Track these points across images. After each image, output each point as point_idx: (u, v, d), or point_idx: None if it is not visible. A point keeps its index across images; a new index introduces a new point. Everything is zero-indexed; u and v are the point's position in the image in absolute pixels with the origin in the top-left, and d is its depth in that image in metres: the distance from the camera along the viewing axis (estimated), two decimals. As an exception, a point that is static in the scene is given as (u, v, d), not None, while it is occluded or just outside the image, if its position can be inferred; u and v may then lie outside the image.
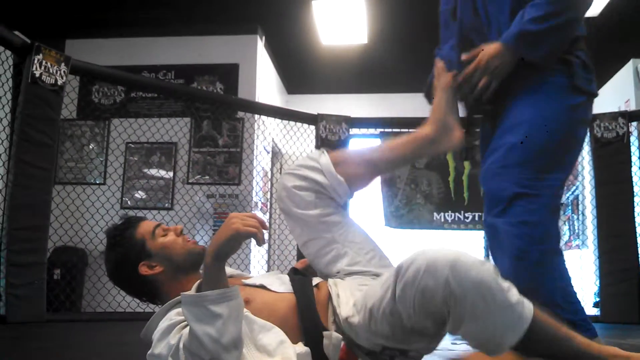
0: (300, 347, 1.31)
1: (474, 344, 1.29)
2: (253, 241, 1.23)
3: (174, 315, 1.32)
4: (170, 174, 5.74)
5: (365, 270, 1.52)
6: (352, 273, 1.52)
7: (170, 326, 1.28)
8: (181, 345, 1.21)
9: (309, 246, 1.59)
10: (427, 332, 1.27)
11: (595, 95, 1.68)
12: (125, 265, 1.48)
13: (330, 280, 1.50)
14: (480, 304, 1.12)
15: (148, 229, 1.50)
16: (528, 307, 1.17)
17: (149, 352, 1.31)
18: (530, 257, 1.53)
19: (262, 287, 1.49)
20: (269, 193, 6.39)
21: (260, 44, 6.16)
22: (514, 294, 1.16)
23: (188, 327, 1.21)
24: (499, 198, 1.59)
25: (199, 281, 1.25)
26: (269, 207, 6.36)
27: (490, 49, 1.63)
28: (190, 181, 5.68)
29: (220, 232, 1.21)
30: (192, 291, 1.22)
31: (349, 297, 1.39)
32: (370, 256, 1.55)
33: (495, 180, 1.62)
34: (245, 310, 1.28)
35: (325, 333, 1.34)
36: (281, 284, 1.50)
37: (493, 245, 1.65)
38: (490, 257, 1.67)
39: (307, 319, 1.37)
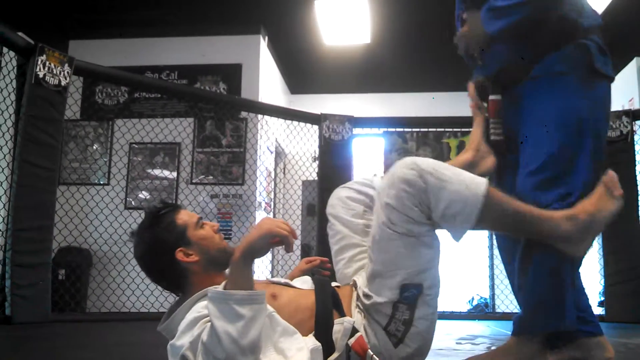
0: (312, 341, 1.33)
1: (447, 224, 1.39)
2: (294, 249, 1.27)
3: (201, 307, 1.31)
4: (174, 174, 5.75)
5: None
6: None
7: (197, 318, 1.28)
8: (201, 338, 1.21)
9: (345, 250, 1.69)
10: (416, 232, 1.38)
11: (613, 79, 1.65)
12: (162, 246, 1.46)
13: (355, 276, 1.60)
14: (437, 183, 1.34)
15: (192, 218, 1.51)
16: (480, 182, 1.37)
17: (172, 341, 1.30)
18: (548, 259, 1.52)
19: (287, 284, 1.56)
20: (272, 193, 6.40)
21: (263, 44, 6.16)
22: (465, 177, 1.37)
23: (210, 322, 1.21)
24: (541, 206, 1.54)
25: (224, 281, 1.26)
26: (272, 207, 6.37)
27: (468, 24, 1.73)
28: (193, 181, 5.69)
29: (252, 232, 1.25)
30: (220, 288, 1.23)
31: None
32: None
33: (536, 191, 1.58)
34: (271, 309, 1.30)
35: (338, 320, 1.39)
36: (303, 282, 1.57)
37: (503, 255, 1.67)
38: (500, 257, 1.69)
39: (320, 308, 1.42)
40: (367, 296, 1.44)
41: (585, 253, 1.54)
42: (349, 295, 1.52)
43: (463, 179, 1.37)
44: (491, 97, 1.75)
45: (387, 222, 1.38)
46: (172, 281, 1.51)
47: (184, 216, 1.51)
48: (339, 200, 1.72)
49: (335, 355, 1.37)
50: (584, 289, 1.68)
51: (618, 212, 1.51)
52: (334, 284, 1.58)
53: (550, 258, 1.51)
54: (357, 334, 1.38)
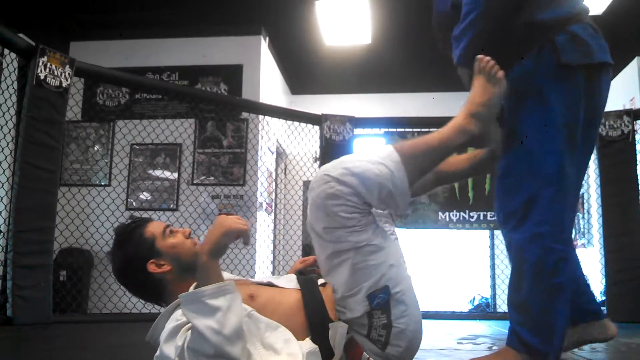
0: (308, 345, 1.33)
1: (389, 205, 1.44)
2: (252, 243, 1.27)
3: (180, 315, 1.32)
4: (175, 175, 5.75)
5: None
6: None
7: (177, 327, 1.29)
8: (185, 346, 1.22)
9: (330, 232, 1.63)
10: (364, 239, 1.39)
11: (596, 63, 1.59)
12: (133, 262, 1.49)
13: None
14: (357, 180, 1.37)
15: (158, 228, 1.53)
16: (388, 151, 1.43)
17: (157, 353, 1.31)
18: (542, 267, 1.51)
19: (270, 284, 1.55)
20: (273, 194, 6.40)
21: (264, 45, 6.16)
22: (373, 156, 1.42)
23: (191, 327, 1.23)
24: (510, 213, 1.58)
25: (195, 283, 1.28)
26: (273, 207, 6.37)
27: None
28: (194, 182, 5.69)
29: (212, 231, 1.28)
30: (191, 289, 1.25)
31: None
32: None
33: (504, 196, 1.61)
34: (250, 308, 1.31)
35: (331, 324, 1.39)
36: (288, 281, 1.56)
37: (510, 256, 1.65)
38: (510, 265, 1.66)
39: (312, 312, 1.41)
40: (342, 311, 1.44)
41: (495, 144, 1.63)
42: (331, 299, 1.49)
43: (376, 159, 1.41)
44: None
45: (334, 246, 1.39)
46: (151, 293, 1.54)
47: (151, 228, 1.53)
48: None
49: (335, 359, 1.37)
50: (584, 276, 1.70)
51: (505, 90, 1.55)
52: (320, 281, 1.56)
53: (545, 274, 1.50)
54: (349, 336, 1.39)
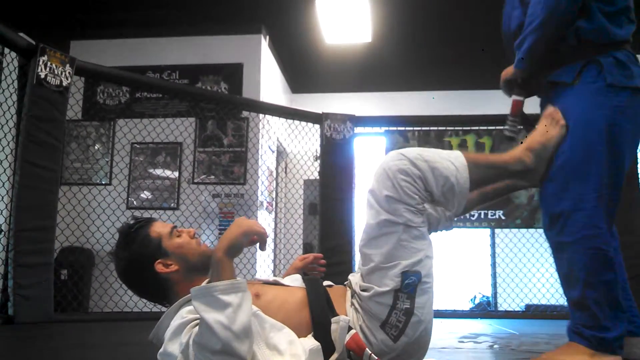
0: (311, 342, 1.35)
1: (446, 199, 1.54)
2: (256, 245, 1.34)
3: (186, 313, 1.32)
4: (176, 174, 5.75)
5: None
6: None
7: (182, 324, 1.29)
8: (191, 342, 1.22)
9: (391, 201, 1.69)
10: (415, 222, 1.48)
11: (638, 87, 1.71)
12: (140, 263, 1.49)
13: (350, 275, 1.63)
14: (428, 166, 1.49)
15: (164, 228, 1.53)
16: (457, 154, 1.56)
17: (160, 350, 1.31)
18: (595, 267, 1.62)
19: (276, 282, 1.59)
20: (274, 192, 6.40)
21: (265, 44, 6.16)
22: (444, 153, 1.56)
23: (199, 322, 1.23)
24: (556, 215, 1.70)
25: (207, 279, 1.28)
26: (274, 206, 6.37)
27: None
28: (195, 181, 5.69)
29: (231, 230, 1.30)
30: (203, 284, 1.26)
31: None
32: None
33: (550, 198, 1.72)
34: (256, 308, 1.31)
35: (333, 319, 1.42)
36: (293, 280, 1.59)
37: (556, 258, 1.74)
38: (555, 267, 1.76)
39: (317, 308, 1.45)
40: (366, 289, 1.47)
41: (539, 179, 1.76)
42: (343, 294, 1.54)
43: (445, 156, 1.54)
44: (513, 96, 1.94)
45: (388, 215, 1.45)
46: (156, 293, 1.54)
47: (157, 228, 1.53)
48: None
49: (335, 355, 1.38)
50: (628, 289, 1.81)
51: (562, 137, 1.71)
52: (325, 283, 1.60)
53: (597, 273, 1.62)
54: (352, 331, 1.40)
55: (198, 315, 1.28)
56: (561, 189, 1.69)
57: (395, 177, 1.46)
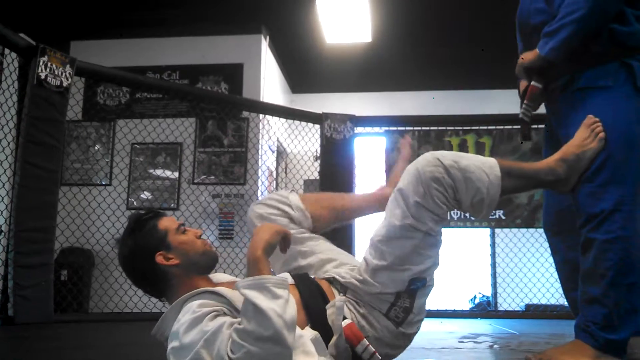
0: (309, 333, 1.37)
1: (475, 210, 1.55)
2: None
3: (197, 307, 1.32)
4: (176, 174, 5.75)
5: (348, 264, 1.72)
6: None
7: (199, 317, 1.29)
8: (225, 329, 1.24)
9: (289, 264, 1.75)
10: (435, 230, 1.52)
11: None
12: (142, 251, 1.49)
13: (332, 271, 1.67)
14: (462, 176, 1.49)
15: (173, 224, 1.55)
16: (493, 163, 1.55)
17: (174, 345, 1.30)
18: (624, 268, 1.63)
19: None
20: (274, 192, 6.39)
21: (265, 44, 6.16)
22: (479, 161, 1.55)
23: (223, 318, 1.28)
24: (594, 214, 1.69)
25: (222, 279, 1.35)
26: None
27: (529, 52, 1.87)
28: (195, 181, 5.69)
29: (262, 232, 1.38)
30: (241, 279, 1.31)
31: (351, 271, 1.61)
32: (345, 255, 1.78)
33: (588, 198, 1.71)
34: None
35: (329, 304, 1.48)
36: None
37: (585, 256, 1.72)
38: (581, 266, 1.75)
39: (308, 297, 1.49)
40: (366, 283, 1.52)
41: (570, 188, 1.74)
42: (328, 288, 1.58)
43: (479, 165, 1.53)
44: (533, 82, 1.89)
45: (413, 221, 1.48)
46: (154, 285, 1.54)
47: (166, 222, 1.55)
48: (260, 219, 1.75)
49: (334, 338, 1.41)
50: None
51: (600, 150, 1.69)
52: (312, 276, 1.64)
53: (625, 273, 1.63)
54: (348, 320, 1.43)
55: (212, 308, 1.31)
56: (601, 189, 1.68)
57: (429, 185, 1.47)
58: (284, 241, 1.43)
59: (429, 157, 1.51)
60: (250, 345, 1.20)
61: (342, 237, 4.39)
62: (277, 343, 1.20)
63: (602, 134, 1.69)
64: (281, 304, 1.23)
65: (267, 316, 1.19)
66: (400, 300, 1.51)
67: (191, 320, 1.29)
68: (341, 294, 1.55)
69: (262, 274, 1.28)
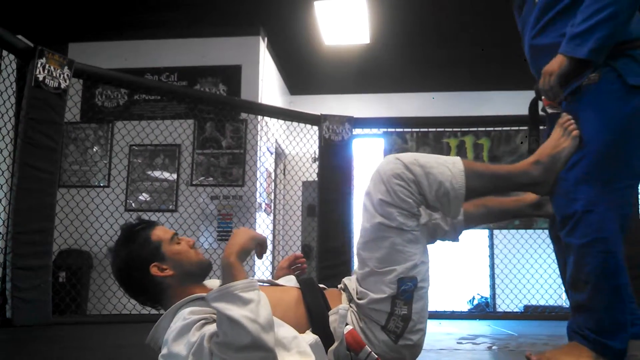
0: (309, 337, 1.37)
1: (441, 204, 1.54)
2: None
3: (187, 314, 1.33)
4: (174, 175, 5.75)
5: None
6: None
7: (187, 325, 1.30)
8: (205, 342, 1.23)
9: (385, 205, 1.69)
10: (409, 225, 1.50)
11: None
12: (136, 262, 1.50)
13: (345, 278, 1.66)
14: (422, 171, 1.50)
15: (166, 234, 1.55)
16: (456, 159, 1.55)
17: (164, 352, 1.31)
18: (605, 271, 1.59)
19: (270, 282, 1.64)
20: (272, 194, 6.40)
21: (263, 45, 6.16)
22: (441, 159, 1.55)
23: (210, 325, 1.26)
24: (567, 216, 1.64)
25: (217, 285, 1.32)
26: (272, 208, 6.37)
27: (551, 61, 1.71)
28: (194, 183, 5.69)
29: (238, 236, 1.35)
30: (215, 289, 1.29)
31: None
32: None
33: (562, 197, 1.67)
34: None
35: (332, 310, 1.47)
36: (288, 281, 1.64)
37: (566, 261, 1.69)
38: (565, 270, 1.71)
39: (312, 303, 1.49)
40: (362, 297, 1.50)
41: (549, 190, 1.70)
42: (337, 296, 1.56)
43: (442, 161, 1.54)
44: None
45: (382, 219, 1.47)
46: (149, 295, 1.55)
47: (159, 232, 1.55)
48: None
49: (335, 344, 1.40)
50: (631, 293, 1.74)
51: (575, 148, 1.65)
52: (320, 285, 1.64)
53: (609, 276, 1.60)
54: (349, 327, 1.42)
55: (202, 316, 1.30)
56: (574, 188, 1.64)
57: (390, 181, 1.48)
58: (260, 247, 1.40)
59: (388, 157, 1.55)
60: (232, 356, 1.20)
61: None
62: (258, 349, 1.19)
63: (575, 132, 1.65)
64: (253, 309, 1.21)
65: (241, 325, 1.18)
66: (397, 308, 1.47)
67: (180, 328, 1.30)
68: (350, 307, 1.53)
69: (236, 279, 1.26)
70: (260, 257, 1.42)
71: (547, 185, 1.68)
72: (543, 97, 1.82)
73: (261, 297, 1.26)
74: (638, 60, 1.67)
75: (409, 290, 1.47)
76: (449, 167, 1.53)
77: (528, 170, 1.65)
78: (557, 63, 1.66)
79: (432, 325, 3.64)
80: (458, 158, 1.57)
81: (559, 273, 1.99)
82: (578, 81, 1.70)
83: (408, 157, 1.52)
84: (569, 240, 1.65)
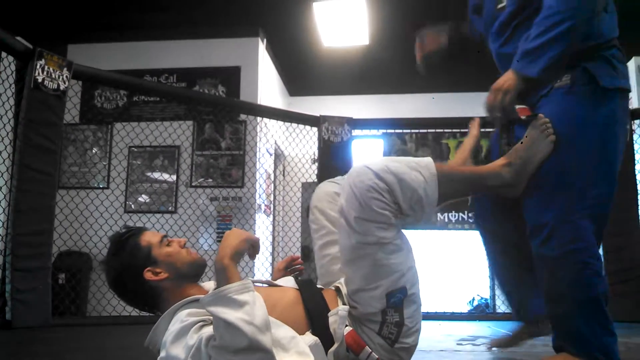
0: (309, 339, 1.36)
1: (415, 212, 1.47)
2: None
3: (185, 316, 1.33)
4: (174, 177, 5.75)
5: None
6: None
7: (185, 327, 1.30)
8: (203, 346, 1.23)
9: (330, 246, 1.71)
10: (388, 237, 1.44)
11: (627, 90, 1.65)
12: (129, 270, 1.50)
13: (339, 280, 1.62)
14: (395, 178, 1.42)
15: (155, 238, 1.55)
16: (427, 162, 1.49)
17: (162, 355, 1.31)
18: (582, 283, 1.54)
19: (268, 282, 1.63)
20: (272, 195, 6.40)
21: (262, 47, 6.16)
22: (413, 163, 1.49)
23: (208, 328, 1.26)
24: (540, 225, 1.59)
25: (213, 287, 1.31)
26: (272, 209, 6.37)
27: (501, 77, 1.64)
28: (193, 184, 5.69)
29: (230, 238, 1.33)
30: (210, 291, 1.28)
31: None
32: None
33: (534, 205, 1.62)
34: None
35: (332, 311, 1.44)
36: (286, 281, 1.62)
37: (541, 272, 1.64)
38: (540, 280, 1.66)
39: (311, 304, 1.47)
40: (353, 306, 1.48)
41: (519, 193, 1.64)
42: (334, 299, 1.55)
43: (413, 166, 1.48)
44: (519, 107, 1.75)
45: (360, 237, 1.42)
46: (147, 301, 1.55)
47: (148, 237, 1.55)
48: (327, 195, 1.73)
49: (335, 346, 1.40)
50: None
51: (549, 152, 1.59)
52: (317, 285, 1.63)
53: (584, 289, 1.54)
54: (349, 328, 1.41)
55: (200, 318, 1.30)
56: (547, 197, 1.58)
57: (362, 195, 1.41)
58: (252, 248, 1.39)
59: (358, 169, 1.45)
60: (230, 358, 1.20)
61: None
62: (255, 350, 1.19)
63: (552, 137, 1.59)
64: (248, 311, 1.21)
65: (237, 328, 1.18)
66: (389, 316, 1.44)
67: (178, 330, 1.30)
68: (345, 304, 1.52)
69: (230, 282, 1.26)
70: (252, 258, 1.41)
71: (517, 188, 1.63)
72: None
73: (256, 299, 1.25)
74: (611, 62, 1.63)
75: (398, 300, 1.44)
76: (421, 171, 1.47)
77: (499, 173, 1.60)
78: (508, 81, 1.60)
79: (432, 326, 3.65)
80: (430, 160, 1.50)
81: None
82: (537, 95, 1.66)
83: (378, 164, 1.44)
84: (542, 252, 1.59)
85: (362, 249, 1.42)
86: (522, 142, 1.61)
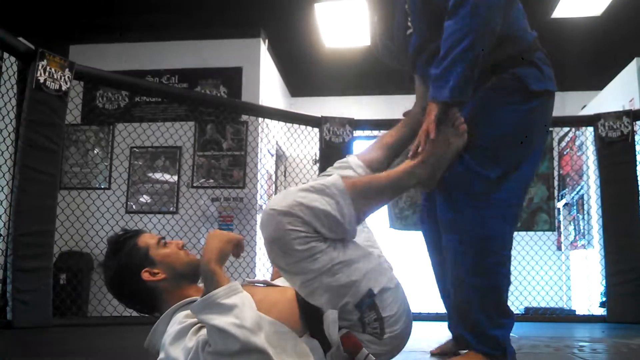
0: (308, 339, 1.37)
1: (337, 234, 1.41)
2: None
3: (183, 317, 1.34)
4: (175, 177, 5.75)
5: None
6: None
7: (183, 329, 1.30)
8: (200, 351, 1.24)
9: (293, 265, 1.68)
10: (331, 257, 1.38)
11: (550, 91, 1.65)
12: (127, 271, 1.51)
13: None
14: (304, 209, 1.34)
15: (152, 239, 1.55)
16: (334, 181, 1.41)
17: (161, 356, 1.31)
18: (482, 270, 1.57)
19: (266, 282, 1.63)
20: (273, 196, 6.39)
21: (264, 47, 6.17)
22: (317, 184, 1.40)
23: (203, 331, 1.26)
24: (445, 220, 1.64)
25: (202, 291, 1.30)
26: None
27: (424, 117, 1.64)
28: (194, 185, 5.69)
29: (214, 241, 1.33)
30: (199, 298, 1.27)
31: None
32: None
33: (444, 198, 1.65)
34: None
35: (324, 315, 1.41)
36: (284, 281, 1.60)
37: (446, 257, 1.67)
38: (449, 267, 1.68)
39: (306, 305, 1.43)
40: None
41: (433, 187, 1.66)
42: None
43: (320, 189, 1.38)
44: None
45: (301, 277, 1.37)
46: (145, 302, 1.55)
47: (145, 238, 1.55)
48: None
49: (332, 349, 1.39)
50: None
51: (463, 146, 1.60)
52: None
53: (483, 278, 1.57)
54: (344, 330, 1.40)
55: (198, 319, 1.30)
56: (450, 191, 1.63)
57: (282, 240, 1.33)
58: (236, 248, 1.37)
59: (264, 217, 1.36)
60: None
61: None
62: (250, 352, 1.20)
63: (465, 135, 1.59)
64: (237, 314, 1.21)
65: (228, 333, 1.18)
66: (366, 318, 1.41)
67: (176, 332, 1.31)
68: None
69: (218, 285, 1.25)
70: (237, 256, 1.40)
71: (432, 183, 1.64)
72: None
73: (245, 300, 1.25)
74: (538, 66, 1.63)
75: (370, 302, 1.41)
76: (330, 193, 1.38)
77: (414, 171, 1.58)
78: (430, 115, 1.58)
79: (432, 327, 3.64)
80: (336, 179, 1.42)
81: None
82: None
83: (283, 202, 1.35)
84: (447, 239, 1.64)
85: (309, 285, 1.38)
86: (435, 139, 1.57)
